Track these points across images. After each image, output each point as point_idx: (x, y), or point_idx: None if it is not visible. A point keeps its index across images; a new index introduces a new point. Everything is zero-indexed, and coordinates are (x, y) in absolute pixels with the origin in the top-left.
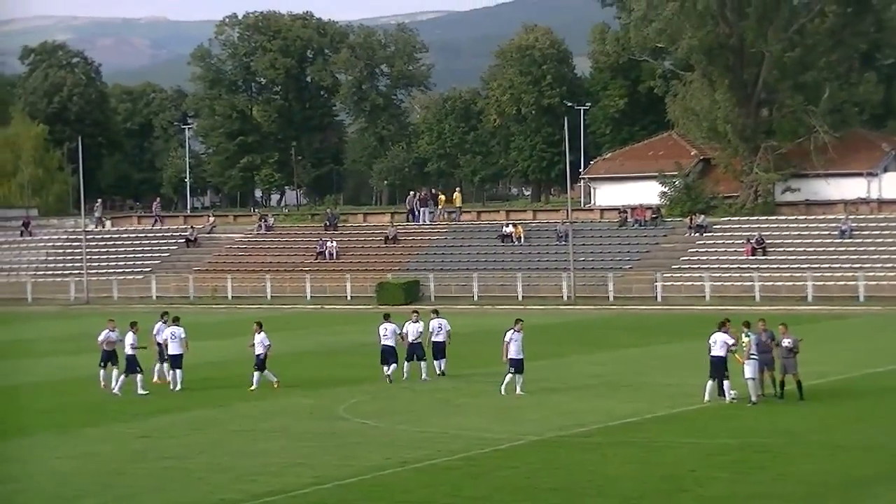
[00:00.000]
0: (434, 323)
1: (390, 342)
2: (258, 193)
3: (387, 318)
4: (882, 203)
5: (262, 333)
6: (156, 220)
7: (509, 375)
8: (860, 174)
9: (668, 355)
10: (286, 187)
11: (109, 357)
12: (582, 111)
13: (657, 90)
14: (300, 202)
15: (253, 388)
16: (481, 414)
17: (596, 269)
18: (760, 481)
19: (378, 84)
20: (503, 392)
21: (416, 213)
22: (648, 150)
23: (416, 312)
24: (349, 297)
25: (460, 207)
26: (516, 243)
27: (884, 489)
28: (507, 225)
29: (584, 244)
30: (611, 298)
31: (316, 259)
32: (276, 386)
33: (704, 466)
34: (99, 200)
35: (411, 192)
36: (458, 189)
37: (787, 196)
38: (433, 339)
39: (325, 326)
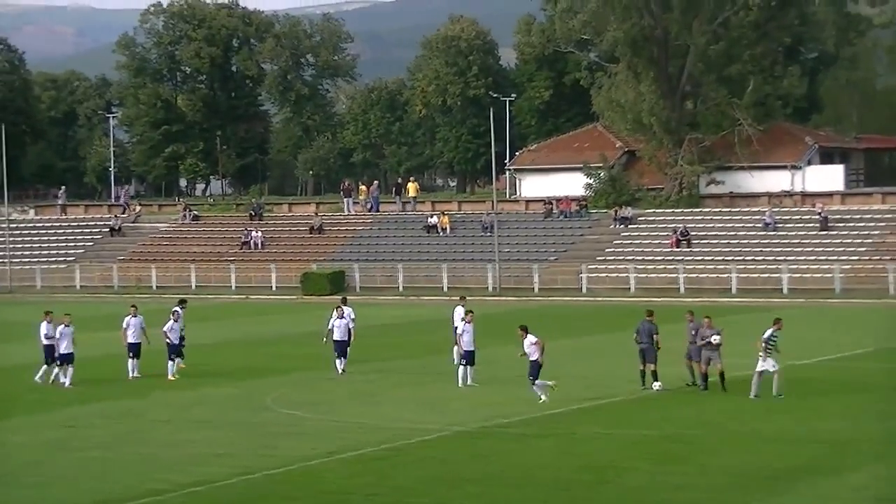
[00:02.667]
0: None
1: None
2: (183, 183)
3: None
4: (805, 196)
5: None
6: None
7: (461, 368)
8: (784, 167)
9: (593, 346)
10: (211, 177)
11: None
12: (507, 102)
13: (582, 82)
14: (225, 192)
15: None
16: (407, 405)
17: (521, 260)
18: (683, 472)
19: (304, 74)
20: (459, 385)
21: (374, 204)
22: (574, 142)
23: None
24: (274, 288)
25: (415, 198)
26: (442, 234)
27: (807, 480)
28: (433, 216)
29: (509, 235)
30: (536, 290)
31: (241, 249)
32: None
33: (626, 457)
34: (63, 187)
35: (375, 182)
36: (412, 179)
37: (711, 188)
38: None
39: (249, 316)
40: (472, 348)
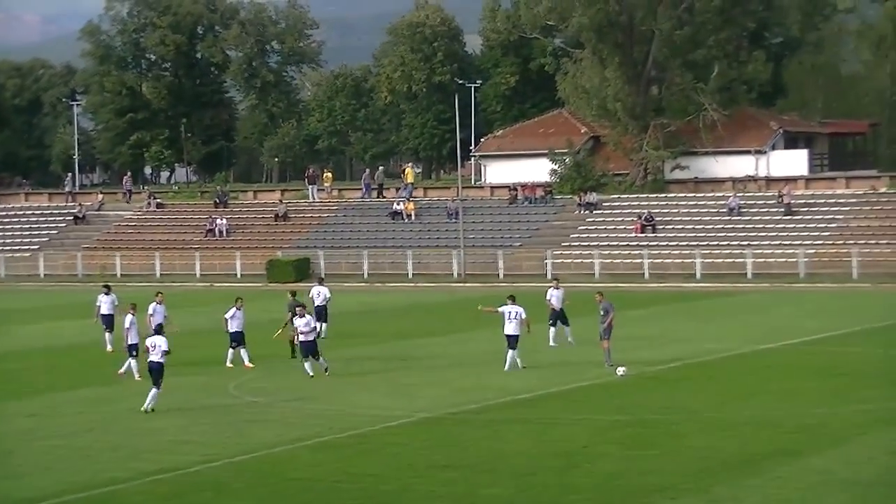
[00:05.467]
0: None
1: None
2: (148, 171)
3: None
4: (770, 181)
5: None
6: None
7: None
8: (748, 152)
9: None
10: (176, 164)
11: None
12: (473, 89)
13: (548, 68)
14: (190, 179)
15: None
16: (373, 391)
17: (486, 246)
18: (652, 457)
19: (269, 61)
20: (507, 369)
21: (366, 189)
22: (539, 128)
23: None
24: (239, 275)
25: (412, 183)
26: (407, 220)
27: (775, 464)
28: (398, 202)
29: (474, 221)
30: (501, 276)
31: (206, 236)
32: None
33: (596, 442)
34: (69, 175)
35: (367, 170)
36: (410, 165)
37: (676, 174)
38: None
39: (214, 304)
40: (516, 333)
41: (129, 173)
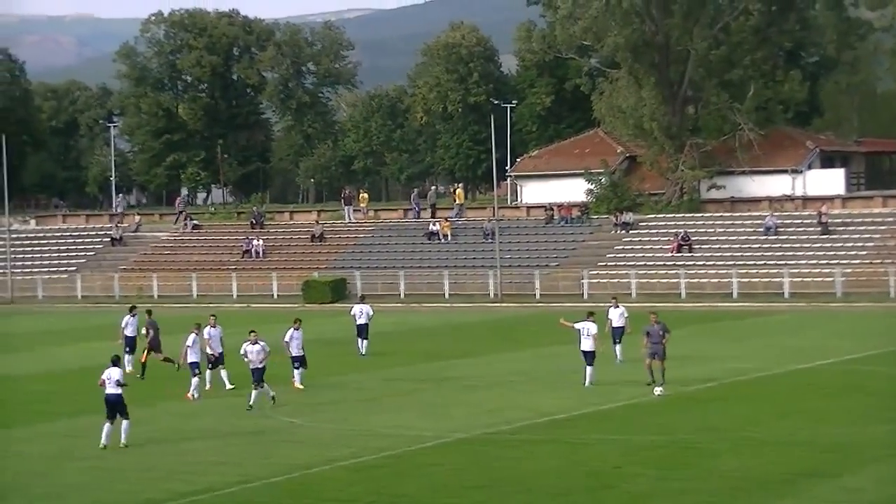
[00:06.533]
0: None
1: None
2: (184, 192)
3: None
4: (806, 200)
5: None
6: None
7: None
8: (785, 171)
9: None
10: (212, 185)
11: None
12: (508, 109)
13: (583, 88)
14: (226, 200)
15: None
16: (408, 412)
17: (522, 266)
18: (686, 478)
19: (304, 82)
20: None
21: (417, 209)
22: (574, 148)
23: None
24: (275, 296)
25: (462, 204)
26: (443, 241)
27: (806, 484)
28: (434, 223)
29: (510, 242)
30: (537, 296)
31: (242, 257)
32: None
33: (630, 463)
34: (121, 195)
35: (416, 191)
36: (459, 185)
37: (712, 193)
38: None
39: (251, 325)
40: (592, 349)
41: (183, 194)
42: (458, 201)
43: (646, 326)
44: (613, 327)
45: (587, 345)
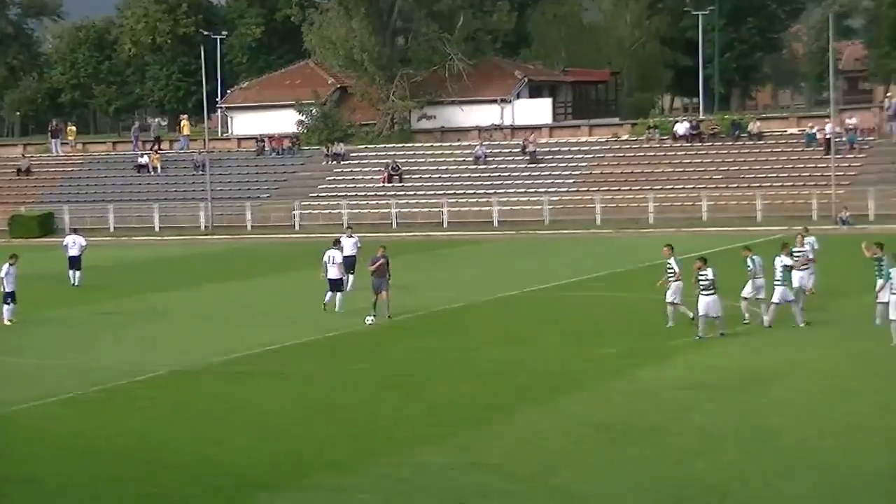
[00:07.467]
0: None
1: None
2: None
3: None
4: (515, 129)
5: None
6: None
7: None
8: (494, 101)
9: (304, 282)
10: None
11: None
12: (219, 40)
13: (294, 19)
14: None
15: None
16: (119, 345)
17: (234, 198)
18: (398, 405)
19: (8, 13)
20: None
21: (136, 142)
22: (286, 80)
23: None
24: None
25: (188, 136)
26: (153, 174)
27: (506, 413)
28: (143, 155)
29: (221, 174)
30: (249, 228)
31: None
32: None
33: (343, 392)
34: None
35: (136, 123)
36: (186, 117)
37: (423, 123)
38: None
39: None
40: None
41: None
42: (185, 133)
43: (372, 257)
44: (345, 256)
45: (333, 272)
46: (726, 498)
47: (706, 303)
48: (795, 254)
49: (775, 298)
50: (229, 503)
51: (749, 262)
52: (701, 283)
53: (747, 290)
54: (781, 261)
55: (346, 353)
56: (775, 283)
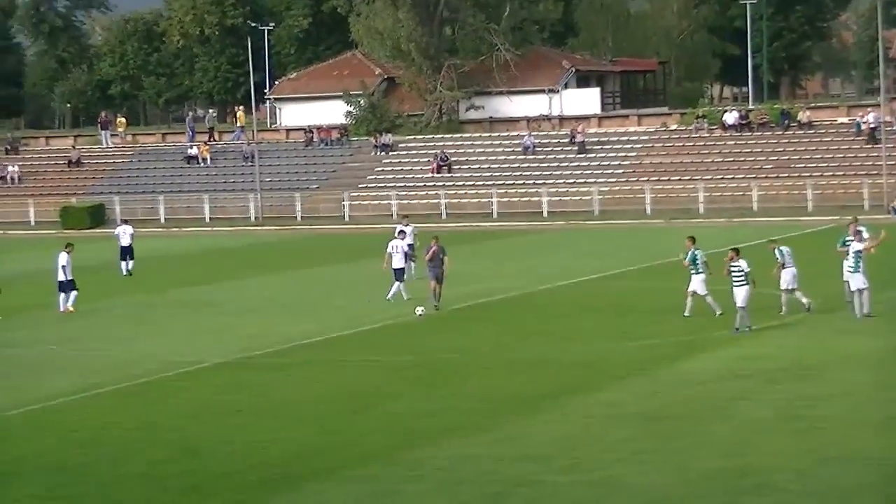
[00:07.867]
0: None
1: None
2: None
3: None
4: (563, 119)
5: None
6: None
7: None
8: (542, 91)
9: (355, 274)
10: None
11: None
12: (266, 31)
13: (341, 9)
14: None
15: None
16: (165, 337)
17: (283, 189)
18: (440, 397)
19: (56, 5)
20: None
21: (192, 134)
22: (333, 70)
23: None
24: (32, 222)
25: (243, 126)
26: (202, 165)
27: (559, 401)
28: (193, 146)
29: (270, 165)
30: (298, 218)
31: None
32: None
33: (387, 383)
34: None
35: (190, 114)
36: (241, 108)
37: (471, 114)
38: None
39: (6, 252)
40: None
41: None
42: (239, 123)
43: (426, 246)
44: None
45: (397, 262)
46: (774, 489)
47: (740, 294)
48: (847, 241)
49: (855, 286)
50: (275, 494)
51: (777, 253)
52: (734, 274)
53: (785, 281)
54: (853, 247)
55: (393, 344)
56: (849, 270)
